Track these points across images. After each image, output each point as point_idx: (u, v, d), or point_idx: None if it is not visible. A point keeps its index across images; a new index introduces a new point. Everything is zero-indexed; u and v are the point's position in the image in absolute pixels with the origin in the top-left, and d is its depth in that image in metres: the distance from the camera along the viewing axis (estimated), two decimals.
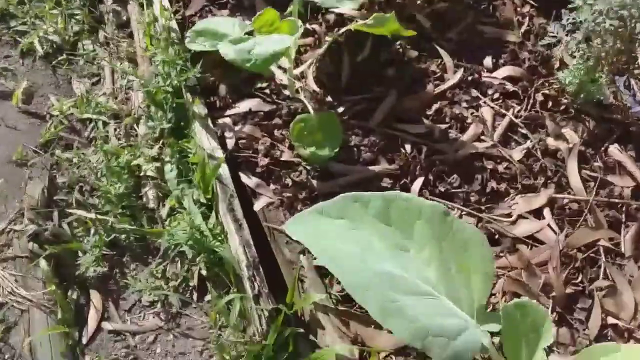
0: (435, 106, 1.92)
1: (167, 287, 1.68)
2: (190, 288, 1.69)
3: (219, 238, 1.69)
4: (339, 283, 1.57)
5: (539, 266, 1.62)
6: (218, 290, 1.64)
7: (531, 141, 1.88)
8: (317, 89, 1.90)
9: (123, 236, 1.77)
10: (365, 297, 1.07)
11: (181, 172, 1.84)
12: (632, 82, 2.05)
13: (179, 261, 1.73)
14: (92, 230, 1.76)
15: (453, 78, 2.00)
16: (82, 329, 1.62)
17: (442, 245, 1.22)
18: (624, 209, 1.74)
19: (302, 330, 1.49)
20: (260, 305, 1.51)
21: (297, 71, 1.91)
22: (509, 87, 2.00)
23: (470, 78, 2.00)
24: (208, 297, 1.67)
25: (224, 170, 1.73)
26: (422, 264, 1.21)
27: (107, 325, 1.63)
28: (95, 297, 1.67)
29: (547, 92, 1.99)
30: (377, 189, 1.64)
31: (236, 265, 1.59)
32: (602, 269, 1.62)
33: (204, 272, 1.69)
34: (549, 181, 1.79)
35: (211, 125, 1.83)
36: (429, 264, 1.22)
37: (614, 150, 1.87)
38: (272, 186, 1.74)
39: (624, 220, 1.71)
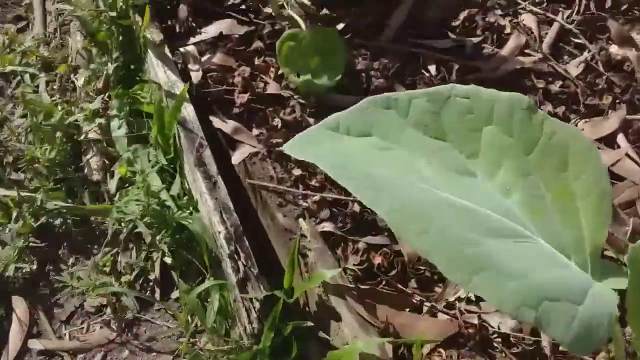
0: (462, 15, 1.48)
1: (118, 284, 1.21)
2: (151, 283, 1.22)
3: (188, 210, 1.22)
4: (356, 252, 1.10)
5: (622, 208, 1.18)
6: (189, 282, 1.17)
7: (589, 51, 1.43)
8: (308, 1, 1.43)
9: (57, 220, 1.30)
10: (428, 241, 0.59)
11: (133, 128, 1.37)
12: None
13: (134, 247, 1.26)
14: (15, 214, 1.28)
15: None
16: (1, 351, 1.14)
17: (529, 161, 0.76)
18: None
19: (309, 323, 1.02)
20: (249, 293, 1.04)
21: None
22: None
23: None
24: (175, 294, 1.20)
25: (189, 111, 1.26)
26: (497, 191, 0.75)
27: (36, 344, 1.15)
28: (19, 305, 1.19)
29: None
30: None
31: (211, 240, 1.12)
32: None
33: (168, 260, 1.22)
34: (618, 100, 1.36)
35: (169, 54, 1.37)
36: (509, 191, 0.75)
37: None
38: (255, 130, 1.26)
39: None
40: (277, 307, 1.00)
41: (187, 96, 1.26)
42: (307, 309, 1.10)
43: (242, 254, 1.06)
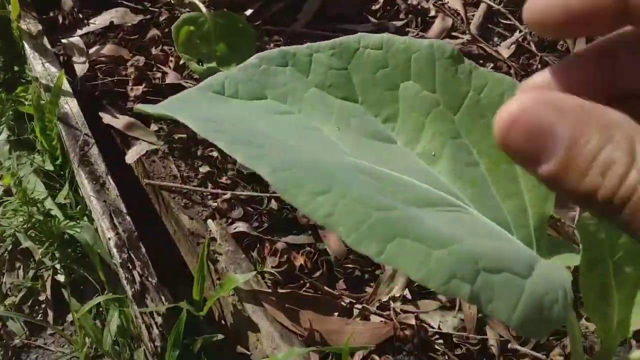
0: None
1: (3, 307, 1.04)
2: (42, 304, 1.05)
3: (81, 219, 1.06)
4: (274, 254, 0.96)
5: None
6: (86, 301, 1.00)
7: (520, 32, 1.36)
8: None
9: None
10: (329, 201, 0.46)
11: (14, 132, 1.20)
12: None
13: (21, 265, 1.08)
14: None
15: None
16: None
17: (456, 122, 0.63)
18: None
19: (219, 336, 0.87)
20: (148, 307, 0.88)
21: None
22: None
23: None
24: (71, 316, 1.03)
25: (72, 105, 1.10)
26: (420, 159, 0.62)
27: None
28: None
29: None
30: None
31: (103, 249, 0.96)
32: None
33: (60, 277, 1.05)
34: None
35: (49, 46, 1.20)
36: (435, 158, 0.62)
37: None
38: (153, 125, 1.11)
39: None
40: (180, 320, 0.84)
41: (70, 90, 1.10)
42: (222, 321, 0.95)
43: (137, 262, 0.90)
